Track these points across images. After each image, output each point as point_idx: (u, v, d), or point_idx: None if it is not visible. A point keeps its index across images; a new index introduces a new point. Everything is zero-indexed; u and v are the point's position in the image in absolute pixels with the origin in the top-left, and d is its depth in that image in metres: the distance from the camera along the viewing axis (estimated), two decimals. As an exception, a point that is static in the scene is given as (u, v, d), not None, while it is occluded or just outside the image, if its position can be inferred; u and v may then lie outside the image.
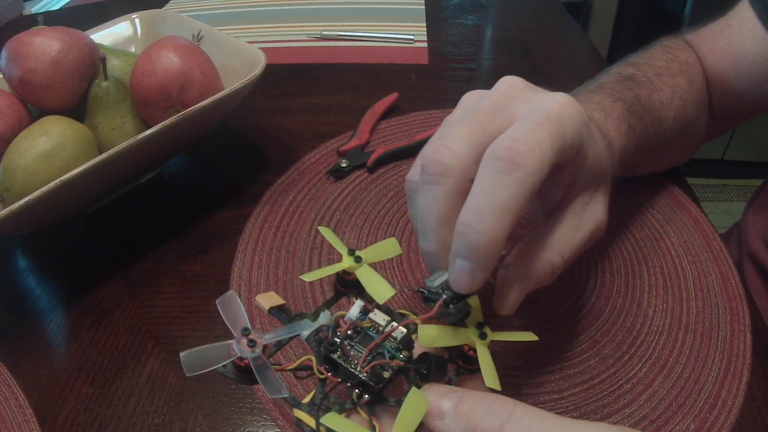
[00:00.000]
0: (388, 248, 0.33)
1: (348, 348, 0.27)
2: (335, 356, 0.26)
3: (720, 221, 1.66)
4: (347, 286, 0.31)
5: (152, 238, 0.47)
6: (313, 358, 0.27)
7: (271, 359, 0.27)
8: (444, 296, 0.28)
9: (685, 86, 0.46)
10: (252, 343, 0.26)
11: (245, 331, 0.26)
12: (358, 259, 0.30)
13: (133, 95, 0.47)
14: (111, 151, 0.40)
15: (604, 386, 0.36)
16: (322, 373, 0.27)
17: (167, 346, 0.39)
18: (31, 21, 0.52)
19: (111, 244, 0.47)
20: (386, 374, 0.26)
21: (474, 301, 0.29)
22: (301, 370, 0.28)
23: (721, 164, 1.87)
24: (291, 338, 0.29)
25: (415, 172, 0.31)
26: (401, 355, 0.27)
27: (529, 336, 0.29)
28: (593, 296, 0.41)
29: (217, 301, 0.28)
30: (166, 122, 0.42)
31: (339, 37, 0.75)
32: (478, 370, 0.27)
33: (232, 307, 0.28)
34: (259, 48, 0.50)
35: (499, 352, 0.37)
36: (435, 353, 0.28)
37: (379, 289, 0.29)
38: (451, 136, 0.28)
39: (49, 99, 0.45)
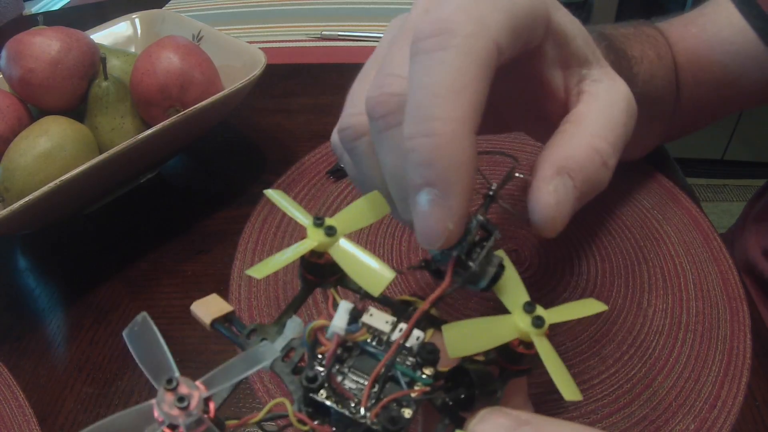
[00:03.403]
0: (369, 207, 0.22)
1: (339, 379, 0.18)
2: (321, 396, 0.18)
3: (720, 221, 1.66)
4: (320, 273, 0.22)
5: (152, 238, 0.47)
6: (287, 402, 0.18)
7: (219, 413, 0.18)
8: (454, 254, 0.19)
9: (654, 57, 0.44)
10: (183, 402, 0.17)
11: (170, 384, 0.17)
12: (330, 231, 0.21)
13: (133, 95, 0.47)
14: (111, 151, 0.40)
15: (604, 386, 0.36)
16: (304, 424, 0.18)
17: (167, 346, 0.39)
18: (31, 21, 0.52)
19: (111, 244, 0.47)
20: (407, 413, 0.17)
21: (501, 254, 0.20)
22: (271, 420, 0.19)
23: (721, 164, 1.87)
24: (246, 377, 0.19)
25: (347, 120, 0.25)
26: (423, 376, 0.18)
27: (598, 306, 0.21)
28: (593, 296, 0.41)
29: (124, 334, 0.19)
30: (166, 122, 0.42)
31: (339, 37, 0.75)
32: (529, 371, 0.19)
33: (147, 340, 0.18)
34: (259, 48, 0.50)
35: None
36: (473, 366, 0.19)
37: (371, 272, 0.20)
38: (393, 62, 0.22)
39: (49, 99, 0.45)
